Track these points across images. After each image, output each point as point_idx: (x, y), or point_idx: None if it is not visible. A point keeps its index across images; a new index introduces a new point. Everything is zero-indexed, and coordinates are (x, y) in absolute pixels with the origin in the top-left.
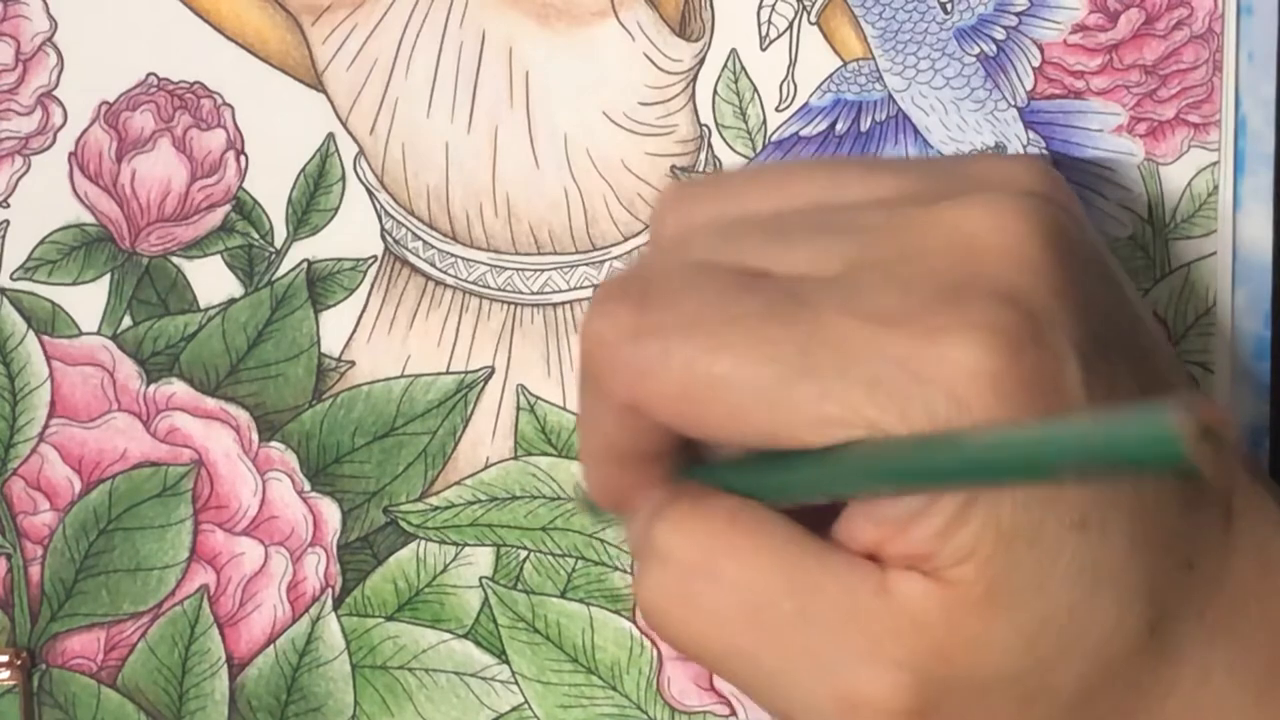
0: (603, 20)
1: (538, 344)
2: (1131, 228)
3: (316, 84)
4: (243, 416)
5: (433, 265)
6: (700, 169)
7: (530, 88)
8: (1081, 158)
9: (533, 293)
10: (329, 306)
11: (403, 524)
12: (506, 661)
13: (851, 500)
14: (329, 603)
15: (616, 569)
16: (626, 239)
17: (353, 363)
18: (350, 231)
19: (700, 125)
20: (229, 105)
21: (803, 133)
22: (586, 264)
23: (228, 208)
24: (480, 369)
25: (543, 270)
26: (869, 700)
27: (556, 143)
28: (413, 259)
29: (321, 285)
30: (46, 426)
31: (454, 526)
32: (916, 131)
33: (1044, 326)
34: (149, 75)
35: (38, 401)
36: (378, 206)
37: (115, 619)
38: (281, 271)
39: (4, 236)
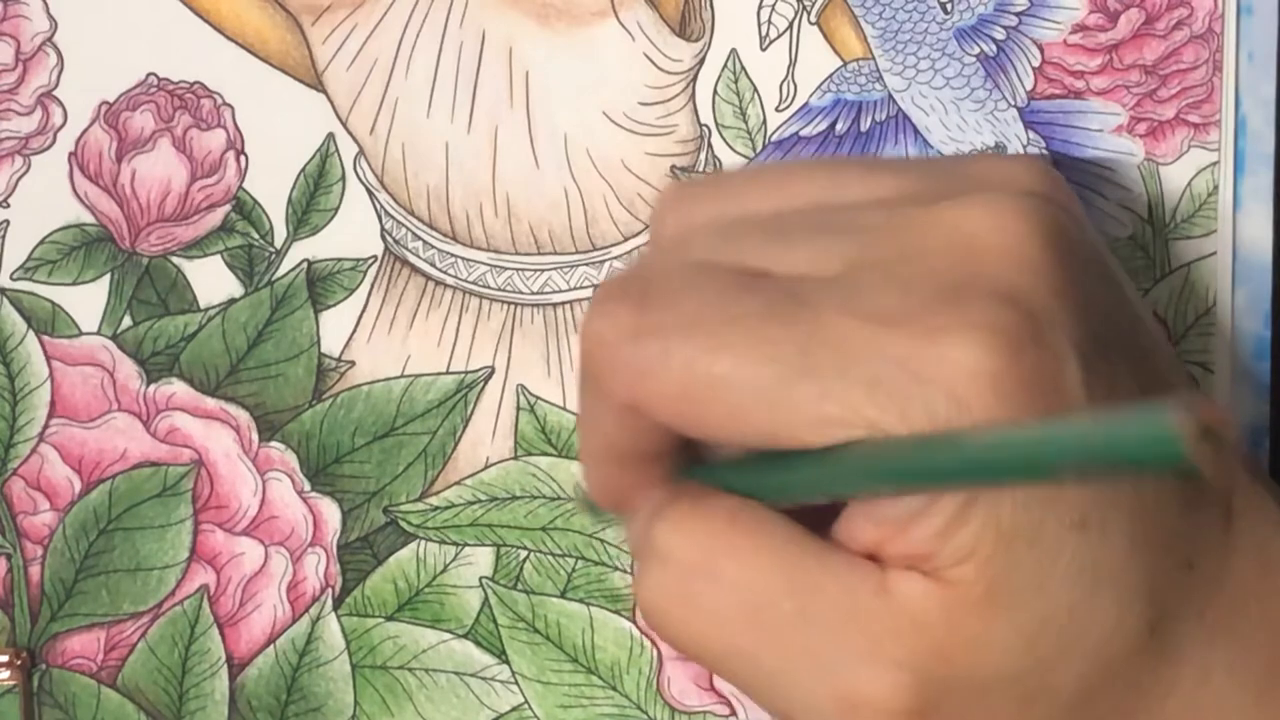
0: (603, 20)
1: (538, 344)
2: (1131, 228)
3: (316, 84)
4: (243, 416)
5: (433, 265)
6: (700, 169)
7: (530, 88)
8: (1081, 158)
9: (533, 293)
10: (329, 306)
11: (403, 524)
12: (506, 661)
13: (851, 500)
14: (329, 603)
15: (616, 569)
16: (626, 239)
17: (353, 363)
18: (350, 231)
19: (700, 125)
20: (229, 105)
21: (803, 133)
22: (586, 264)
23: (228, 208)
24: (480, 369)
25: (543, 270)
26: (869, 700)
27: (556, 143)
28: (413, 259)
29: (321, 285)
30: (46, 426)
31: (454, 526)
32: (916, 131)
33: (1044, 326)
34: (149, 75)
35: (38, 401)
36: (378, 206)
37: (115, 619)
38: (281, 271)
39: (4, 236)
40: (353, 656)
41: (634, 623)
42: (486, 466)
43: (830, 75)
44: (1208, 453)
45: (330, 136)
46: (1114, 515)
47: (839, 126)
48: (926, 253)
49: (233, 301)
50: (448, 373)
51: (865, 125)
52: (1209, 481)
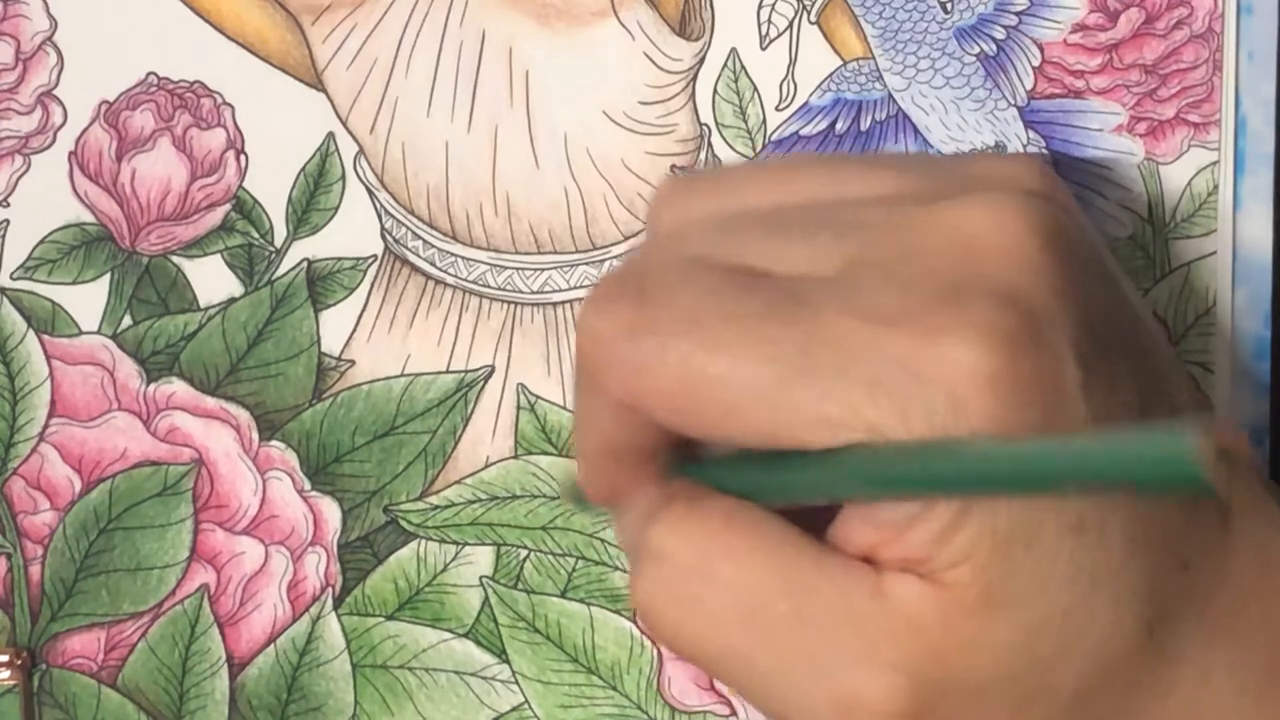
0: (603, 20)
1: (538, 343)
2: (1131, 228)
3: (316, 83)
4: (243, 416)
5: (433, 264)
6: (700, 168)
7: (530, 87)
8: (1081, 157)
9: (533, 292)
10: (329, 306)
11: (403, 523)
12: (507, 661)
13: (848, 503)
14: (329, 602)
15: (617, 569)
16: (626, 238)
17: (353, 362)
18: (350, 231)
19: (700, 124)
20: (229, 105)
21: (803, 132)
22: (586, 263)
23: (228, 207)
24: (480, 368)
25: (543, 270)
26: (865, 703)
27: (556, 142)
28: (413, 258)
29: (321, 284)
30: (46, 426)
31: (454, 526)
32: (916, 131)
33: (1043, 326)
34: (149, 75)
35: (38, 401)
36: (378, 206)
37: (115, 619)
38: (281, 271)
39: (4, 236)
40: (353, 656)
41: (634, 623)
42: (487, 466)
43: (830, 75)
44: (1224, 474)
45: (330, 136)
46: (1111, 516)
47: (839, 126)
48: (926, 252)
49: (233, 301)
50: (448, 372)
51: (865, 124)
52: (1222, 500)
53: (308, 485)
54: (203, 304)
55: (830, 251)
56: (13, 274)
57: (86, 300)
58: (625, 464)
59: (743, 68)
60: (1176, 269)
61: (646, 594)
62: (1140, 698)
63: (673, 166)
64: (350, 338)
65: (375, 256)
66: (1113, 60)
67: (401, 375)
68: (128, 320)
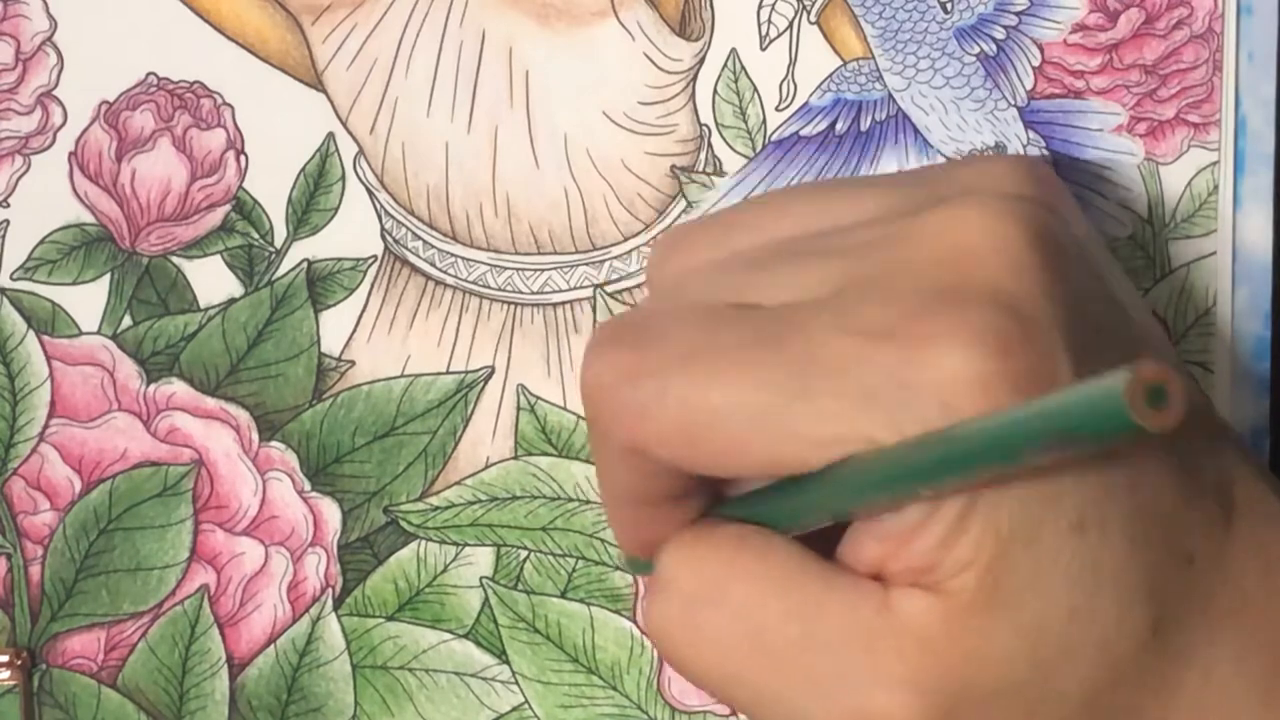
0: (603, 20)
1: (538, 344)
2: (1131, 228)
3: (316, 84)
4: (243, 416)
5: (433, 265)
6: (700, 168)
7: (530, 88)
8: (1081, 158)
9: (533, 292)
10: (329, 306)
11: (403, 524)
12: (507, 661)
13: (854, 519)
14: (329, 603)
15: (617, 569)
16: (626, 239)
17: (353, 362)
18: (350, 231)
19: (700, 125)
20: (229, 105)
21: (803, 132)
22: (586, 264)
23: (228, 207)
24: (480, 369)
25: (543, 270)
26: None
27: (556, 143)
28: (413, 259)
29: (321, 285)
30: (46, 426)
31: (454, 526)
32: (916, 131)
33: (1033, 327)
34: (149, 75)
35: (38, 401)
36: (378, 206)
37: (115, 619)
38: (281, 271)
39: (4, 236)
40: (353, 656)
41: (634, 623)
42: (487, 466)
43: (830, 75)
44: (1157, 412)
45: (330, 136)
46: (1112, 515)
47: (839, 126)
48: (913, 263)
49: (233, 301)
50: (448, 372)
51: (865, 125)
52: (1159, 435)
53: (308, 486)
54: (203, 304)
55: (820, 276)
56: (13, 274)
57: (86, 301)
58: (648, 511)
59: (743, 68)
60: (1176, 269)
61: (658, 621)
62: (1146, 697)
63: (673, 167)
64: (350, 338)
65: (375, 257)
66: (1113, 60)
67: (401, 376)
68: (128, 321)
